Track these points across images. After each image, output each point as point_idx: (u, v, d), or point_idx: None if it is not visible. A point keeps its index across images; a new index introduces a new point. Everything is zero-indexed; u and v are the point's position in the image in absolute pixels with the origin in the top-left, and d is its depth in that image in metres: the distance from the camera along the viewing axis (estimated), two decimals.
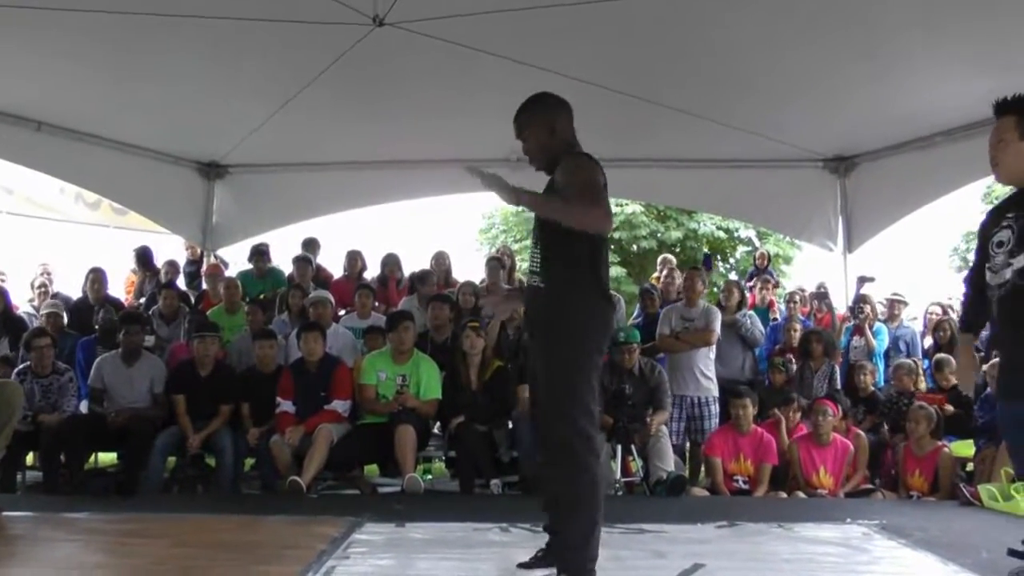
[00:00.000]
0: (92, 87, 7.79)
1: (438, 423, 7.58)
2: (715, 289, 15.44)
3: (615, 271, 20.06)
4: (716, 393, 7.90)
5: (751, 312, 8.72)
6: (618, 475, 7.02)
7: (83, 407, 7.63)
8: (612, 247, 21.33)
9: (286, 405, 7.20)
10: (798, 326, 8.75)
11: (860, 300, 8.88)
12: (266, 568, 4.21)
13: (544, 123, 3.93)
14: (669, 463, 7.10)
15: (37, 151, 8.67)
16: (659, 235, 21.39)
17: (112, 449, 7.78)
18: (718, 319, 8.02)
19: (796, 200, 9.78)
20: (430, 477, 8.30)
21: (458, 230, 25.44)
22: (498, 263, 9.30)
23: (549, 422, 3.73)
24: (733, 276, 21.05)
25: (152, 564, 4.31)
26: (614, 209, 18.85)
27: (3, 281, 9.47)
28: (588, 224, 3.66)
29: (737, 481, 7.18)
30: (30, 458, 7.66)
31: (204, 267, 10.42)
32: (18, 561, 4.61)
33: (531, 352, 4.01)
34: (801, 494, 7.04)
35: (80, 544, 4.97)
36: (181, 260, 10.97)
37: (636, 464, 7.09)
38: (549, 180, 3.93)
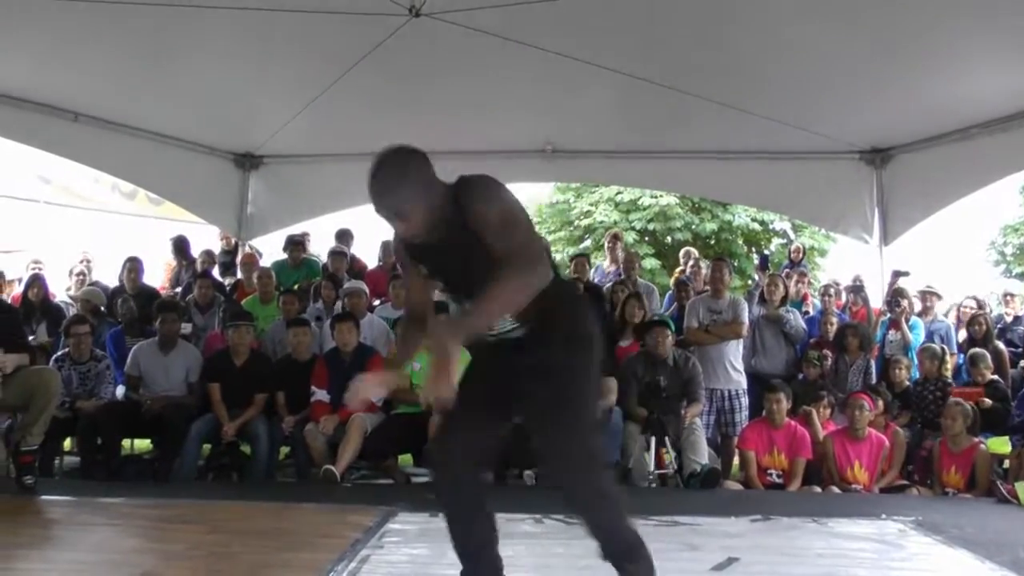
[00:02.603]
0: (129, 78, 7.85)
1: None
2: (749, 282, 15.34)
3: (649, 263, 19.85)
4: (745, 386, 7.86)
5: (790, 307, 8.64)
6: (651, 467, 7.01)
7: (119, 393, 7.71)
8: (647, 239, 21.17)
9: (320, 394, 7.23)
10: (834, 319, 8.65)
11: (897, 294, 8.77)
12: (300, 556, 4.23)
13: (423, 186, 3.07)
14: (703, 456, 7.07)
15: (74, 142, 8.75)
16: (693, 227, 21.21)
17: (147, 436, 7.84)
18: (746, 311, 7.97)
19: (832, 192, 9.66)
20: None
21: None
22: None
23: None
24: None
25: (187, 549, 4.35)
26: (649, 201, 18.45)
27: (40, 270, 9.56)
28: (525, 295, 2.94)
29: (771, 475, 7.13)
30: (68, 443, 7.74)
31: (239, 257, 10.47)
32: (55, 544, 4.69)
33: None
34: (835, 489, 7.00)
35: (117, 529, 5.05)
36: (216, 250, 11.04)
37: (669, 456, 7.06)
38: (457, 225, 3.01)
